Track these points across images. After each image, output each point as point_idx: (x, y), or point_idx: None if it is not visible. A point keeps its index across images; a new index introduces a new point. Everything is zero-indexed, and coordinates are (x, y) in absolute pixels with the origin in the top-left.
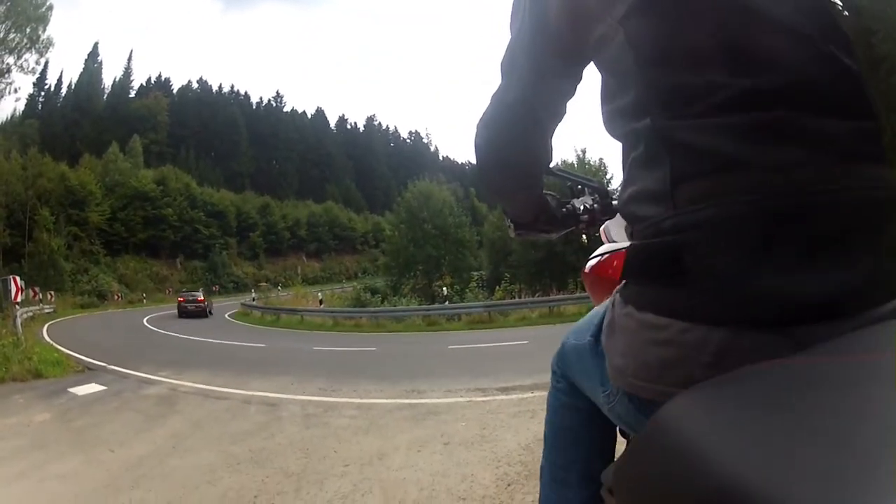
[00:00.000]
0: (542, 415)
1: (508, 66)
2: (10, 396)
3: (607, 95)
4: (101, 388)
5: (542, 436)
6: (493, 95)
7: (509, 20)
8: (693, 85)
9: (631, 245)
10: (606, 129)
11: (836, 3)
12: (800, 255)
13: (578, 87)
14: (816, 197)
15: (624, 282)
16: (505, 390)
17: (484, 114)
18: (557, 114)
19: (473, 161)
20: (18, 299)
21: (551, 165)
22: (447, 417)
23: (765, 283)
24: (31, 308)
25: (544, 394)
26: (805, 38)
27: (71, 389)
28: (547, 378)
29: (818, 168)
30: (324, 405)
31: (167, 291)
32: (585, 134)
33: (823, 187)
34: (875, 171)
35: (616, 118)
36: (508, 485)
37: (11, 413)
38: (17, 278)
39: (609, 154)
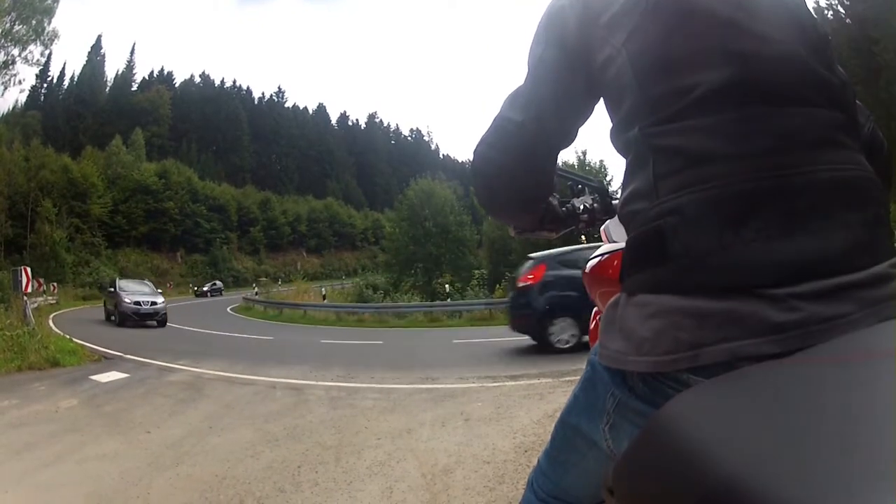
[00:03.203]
0: (551, 396)
1: (529, 93)
2: (30, 384)
3: (610, 113)
4: (124, 375)
5: (552, 412)
6: (499, 117)
7: (530, 48)
8: (676, 89)
9: (627, 241)
10: (612, 144)
11: (825, 30)
12: (768, 229)
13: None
14: (783, 179)
15: (623, 277)
16: (514, 377)
17: (487, 136)
18: (569, 138)
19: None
20: (29, 290)
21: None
22: (464, 399)
23: (735, 255)
24: (36, 299)
25: (551, 380)
26: (782, 42)
27: (93, 377)
28: (552, 367)
29: (787, 155)
30: (346, 389)
31: (168, 285)
32: (585, 136)
33: (791, 171)
34: (843, 155)
35: (615, 131)
36: (525, 451)
37: (35, 400)
38: (28, 269)
39: (609, 156)
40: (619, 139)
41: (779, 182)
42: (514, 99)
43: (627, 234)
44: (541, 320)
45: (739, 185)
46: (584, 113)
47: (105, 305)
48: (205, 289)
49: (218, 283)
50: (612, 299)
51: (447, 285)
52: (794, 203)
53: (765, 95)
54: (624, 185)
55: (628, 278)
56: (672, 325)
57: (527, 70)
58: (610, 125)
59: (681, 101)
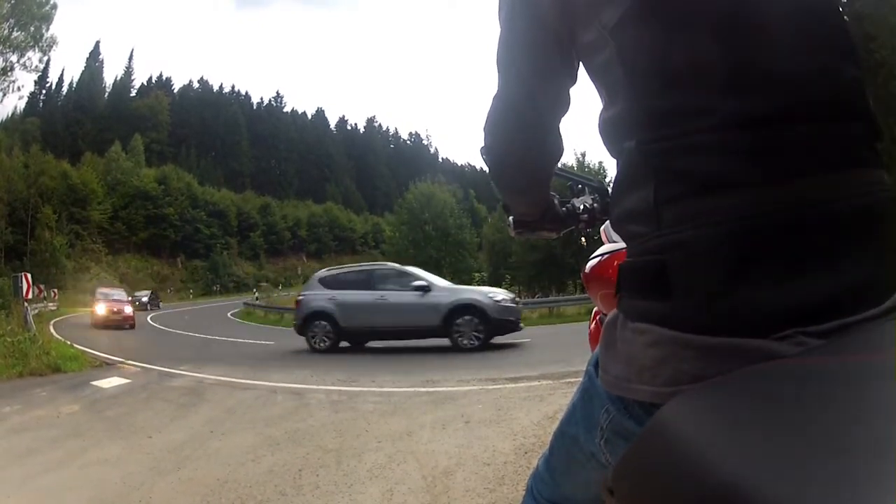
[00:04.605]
0: (551, 398)
1: (505, 62)
2: (32, 390)
3: (599, 94)
4: (126, 380)
5: (552, 414)
6: (494, 97)
7: (497, 10)
8: (682, 106)
9: (622, 262)
10: (599, 133)
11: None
12: (780, 271)
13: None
14: (799, 212)
15: (620, 296)
16: (513, 380)
17: (488, 117)
18: (561, 104)
19: (478, 165)
20: (29, 296)
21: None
22: (464, 402)
23: (743, 299)
24: (37, 305)
25: (551, 382)
26: (805, 51)
27: (94, 382)
28: (552, 370)
29: (803, 182)
30: (347, 393)
31: (168, 291)
32: (585, 137)
33: (807, 202)
34: (865, 176)
35: (605, 130)
36: (525, 452)
37: (37, 406)
38: (28, 275)
39: (609, 157)
40: (611, 141)
41: (794, 216)
42: (498, 68)
43: (626, 254)
44: None
45: (751, 221)
46: (571, 76)
47: (317, 327)
48: (143, 299)
49: (152, 293)
50: (610, 317)
51: None
52: (808, 241)
53: (783, 114)
54: (617, 193)
55: (625, 300)
56: (673, 355)
57: (499, 27)
58: (600, 109)
59: (685, 121)
